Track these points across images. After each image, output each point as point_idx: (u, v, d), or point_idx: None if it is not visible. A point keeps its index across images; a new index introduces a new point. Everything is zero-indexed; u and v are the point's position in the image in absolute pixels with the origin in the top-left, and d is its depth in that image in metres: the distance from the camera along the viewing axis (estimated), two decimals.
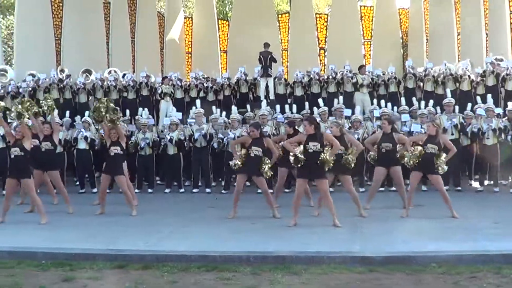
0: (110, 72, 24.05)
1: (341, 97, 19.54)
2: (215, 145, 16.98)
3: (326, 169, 11.49)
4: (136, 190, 16.36)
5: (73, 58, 25.55)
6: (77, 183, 17.83)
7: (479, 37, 26.88)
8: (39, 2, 26.13)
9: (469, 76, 20.24)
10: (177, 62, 32.75)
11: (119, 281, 8.62)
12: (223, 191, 16.80)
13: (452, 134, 16.20)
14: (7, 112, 13.47)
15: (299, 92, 21.63)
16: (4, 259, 9.78)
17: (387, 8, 32.44)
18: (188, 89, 22.44)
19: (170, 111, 20.04)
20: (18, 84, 21.86)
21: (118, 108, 14.16)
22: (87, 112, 18.37)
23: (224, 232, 11.31)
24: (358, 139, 15.34)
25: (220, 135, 16.88)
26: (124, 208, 13.67)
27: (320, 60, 32.26)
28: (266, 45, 21.85)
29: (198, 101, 19.29)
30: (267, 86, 21.62)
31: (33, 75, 22.65)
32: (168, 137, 17.05)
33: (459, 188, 15.95)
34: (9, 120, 14.63)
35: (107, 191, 14.14)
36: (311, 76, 21.74)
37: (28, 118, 13.25)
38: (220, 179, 17.84)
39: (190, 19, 36.03)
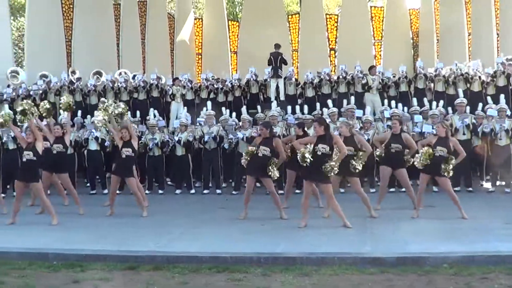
0: (120, 73, 24.05)
1: (352, 98, 19.46)
2: (226, 145, 16.96)
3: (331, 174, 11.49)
4: (147, 191, 16.37)
5: (84, 59, 25.62)
6: (88, 184, 17.84)
7: (490, 38, 26.78)
8: (50, 4, 26.24)
9: (479, 77, 20.14)
10: (187, 63, 32.77)
11: (130, 282, 8.64)
12: (233, 192, 16.79)
13: (464, 134, 16.12)
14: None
15: (310, 93, 21.57)
16: (16, 260, 9.82)
17: (398, 9, 32.39)
18: (198, 90, 22.44)
19: (180, 112, 20.04)
20: (29, 87, 21.89)
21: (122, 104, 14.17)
22: (96, 112, 18.44)
23: (235, 233, 11.32)
24: (368, 140, 15.27)
25: (231, 136, 16.84)
26: (135, 209, 13.68)
27: (331, 61, 32.19)
28: (277, 46, 21.82)
29: (209, 103, 19.25)
30: (277, 87, 21.58)
31: (46, 76, 22.71)
32: (177, 138, 17.06)
33: (470, 189, 15.87)
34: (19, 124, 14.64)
35: (118, 192, 14.15)
36: (322, 76, 21.69)
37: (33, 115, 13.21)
38: (230, 180, 17.81)
39: (200, 20, 36.06)
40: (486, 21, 26.88)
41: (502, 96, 17.18)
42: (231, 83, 22.39)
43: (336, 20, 33.82)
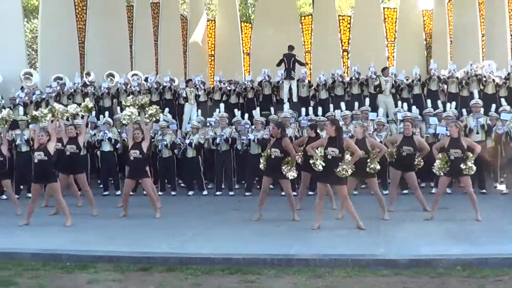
0: (133, 75, 24.09)
1: (366, 99, 19.44)
2: (239, 146, 16.95)
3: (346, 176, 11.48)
4: (160, 193, 16.40)
5: (97, 61, 25.71)
6: (101, 185, 17.88)
7: (503, 39, 26.61)
8: (63, 6, 26.31)
9: (493, 80, 20.06)
10: (200, 65, 32.76)
11: (142, 283, 8.64)
12: (246, 194, 16.78)
13: (477, 133, 16.03)
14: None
15: (323, 95, 21.56)
16: (29, 261, 9.85)
17: (411, 10, 32.29)
18: (211, 92, 22.47)
19: (194, 114, 20.10)
20: (42, 96, 21.89)
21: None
22: (107, 113, 18.50)
23: (248, 235, 11.32)
24: (381, 142, 15.28)
25: (243, 137, 16.84)
26: (148, 210, 13.70)
27: (343, 62, 32.13)
28: (290, 47, 21.81)
29: (221, 105, 19.29)
30: (290, 89, 21.58)
31: (60, 79, 22.81)
32: (188, 141, 17.07)
33: (484, 190, 15.78)
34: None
35: (131, 193, 14.17)
36: (335, 78, 21.67)
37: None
38: (243, 182, 17.80)
39: (213, 21, 36.11)
40: (499, 22, 26.69)
41: None
42: (245, 85, 22.41)
43: (349, 21, 33.77)
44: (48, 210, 14.43)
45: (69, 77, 22.94)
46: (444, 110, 17.20)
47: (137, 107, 13.72)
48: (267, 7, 33.56)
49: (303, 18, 35.24)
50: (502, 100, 17.90)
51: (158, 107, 14.31)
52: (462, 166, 12.08)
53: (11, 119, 14.70)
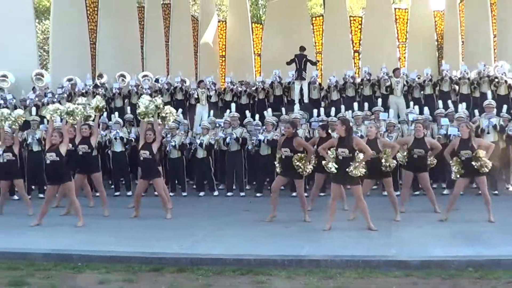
0: (143, 76, 24.13)
1: (379, 100, 19.41)
2: (250, 147, 16.95)
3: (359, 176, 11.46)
4: (170, 194, 16.39)
5: (108, 62, 25.77)
6: (112, 186, 17.89)
7: None
8: (74, 7, 26.39)
9: (506, 81, 19.99)
10: (211, 66, 32.87)
11: (154, 284, 8.65)
12: (257, 195, 16.76)
13: (488, 133, 15.95)
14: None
15: (334, 96, 21.55)
16: (41, 261, 9.88)
17: (422, 11, 32.22)
18: (222, 93, 22.48)
19: (205, 114, 20.13)
20: (54, 98, 21.96)
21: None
22: (117, 113, 18.52)
23: (259, 236, 11.31)
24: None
25: (253, 138, 16.82)
26: (159, 211, 13.71)
27: (354, 63, 32.12)
28: (302, 48, 21.80)
29: (233, 105, 19.32)
30: (301, 89, 21.58)
31: (72, 79, 22.88)
32: (199, 141, 17.06)
33: (496, 192, 15.70)
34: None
35: (142, 194, 14.17)
36: (346, 79, 21.66)
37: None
38: (254, 183, 17.78)
39: (224, 22, 36.18)
40: (511, 23, 26.62)
41: None
42: (255, 86, 22.43)
43: (360, 22, 33.80)
44: (59, 211, 14.46)
45: (80, 78, 22.99)
46: (456, 111, 17.15)
47: (151, 107, 13.67)
48: (278, 8, 33.65)
49: (314, 19, 35.28)
50: None
51: (172, 111, 14.22)
52: (475, 164, 12.02)
53: (23, 120, 14.73)
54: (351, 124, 12.43)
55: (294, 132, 12.85)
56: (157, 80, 23.54)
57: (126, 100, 21.99)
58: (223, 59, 35.39)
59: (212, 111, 19.75)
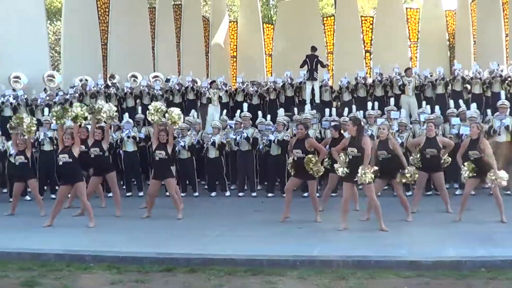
0: (154, 77, 24.16)
1: (391, 99, 19.39)
2: (260, 146, 16.93)
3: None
4: (182, 194, 16.39)
5: (119, 63, 25.81)
6: (124, 186, 17.92)
7: None
8: (86, 8, 26.47)
9: None
10: (222, 66, 32.87)
11: (166, 284, 8.66)
12: (268, 195, 16.75)
13: (499, 134, 15.87)
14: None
15: (346, 97, 21.53)
16: (53, 262, 9.91)
17: (434, 10, 32.04)
18: (233, 93, 22.50)
19: (217, 114, 20.16)
20: (66, 96, 22.06)
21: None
22: (126, 114, 18.55)
23: (271, 236, 11.31)
24: (402, 143, 15.31)
25: (264, 138, 16.81)
26: (170, 211, 13.72)
27: (366, 63, 32.03)
28: (313, 48, 21.82)
29: (245, 105, 19.34)
30: (312, 90, 21.58)
31: (81, 80, 22.95)
32: (211, 141, 17.06)
33: (508, 192, 15.61)
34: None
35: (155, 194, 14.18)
36: (358, 80, 21.64)
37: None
38: (265, 183, 17.76)
39: (235, 23, 36.16)
40: None
41: None
42: (267, 86, 22.45)
43: (371, 22, 33.71)
44: (72, 211, 14.49)
45: (92, 79, 23.05)
46: (468, 109, 17.05)
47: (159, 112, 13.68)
48: (289, 8, 33.64)
49: (325, 19, 35.23)
50: None
51: (179, 114, 14.14)
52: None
53: (35, 126, 14.80)
54: (362, 123, 12.39)
55: (306, 133, 12.85)
56: (168, 80, 23.59)
57: (137, 100, 22.00)
58: (234, 59, 35.39)
59: (225, 111, 19.74)
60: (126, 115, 18.54)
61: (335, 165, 11.67)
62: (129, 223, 13.21)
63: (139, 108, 19.87)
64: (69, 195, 14.86)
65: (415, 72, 21.36)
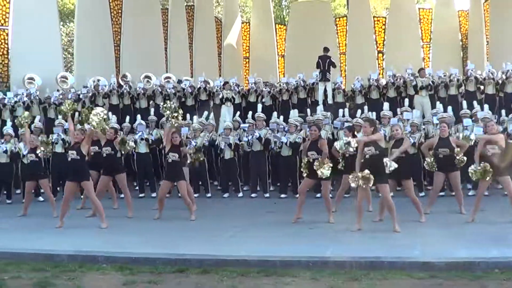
0: (165, 78, 24.20)
1: (406, 100, 19.37)
2: (272, 145, 16.92)
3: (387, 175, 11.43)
4: (195, 195, 16.40)
5: (132, 64, 25.87)
6: (137, 187, 17.96)
7: None
8: (98, 9, 26.56)
9: None
10: (234, 67, 32.91)
11: (179, 285, 8.66)
12: (281, 196, 16.75)
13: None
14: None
15: (359, 99, 21.49)
16: (66, 263, 9.92)
17: (446, 11, 31.94)
18: (246, 94, 22.50)
19: (230, 115, 20.17)
20: (78, 92, 22.20)
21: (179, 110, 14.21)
22: (139, 116, 18.59)
23: (283, 237, 11.29)
24: (414, 143, 15.36)
25: (275, 139, 16.79)
26: (183, 212, 13.74)
27: (378, 64, 32.01)
28: (326, 49, 21.84)
29: (259, 105, 19.33)
30: (325, 91, 21.57)
31: (94, 81, 23.02)
32: (228, 142, 17.05)
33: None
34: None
35: (166, 196, 14.19)
36: (370, 83, 21.60)
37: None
38: (278, 184, 17.75)
39: (248, 24, 36.20)
40: None
41: None
42: (280, 87, 22.47)
43: (384, 22, 33.68)
44: (84, 212, 14.55)
45: (105, 79, 23.14)
46: (482, 109, 16.99)
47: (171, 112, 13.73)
48: (302, 9, 33.67)
49: (337, 19, 35.25)
50: None
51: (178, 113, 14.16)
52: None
53: (42, 127, 14.88)
54: (377, 125, 12.37)
55: (319, 134, 12.85)
56: (179, 81, 23.63)
57: (151, 101, 22.03)
58: (247, 60, 35.43)
59: (238, 112, 19.75)
60: (139, 116, 18.58)
61: (351, 177, 11.58)
62: (142, 224, 13.23)
63: (152, 110, 19.89)
64: (82, 196, 14.96)
65: (428, 73, 21.29)
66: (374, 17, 34.56)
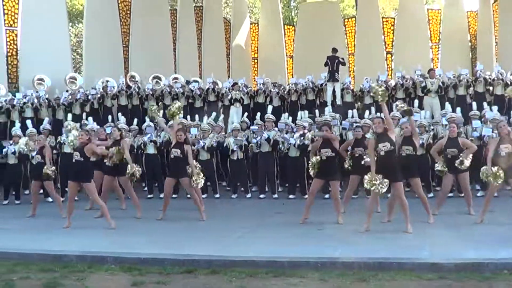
0: (173, 79, 24.22)
1: (416, 101, 19.35)
2: (280, 145, 16.90)
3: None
4: (203, 196, 16.39)
5: (141, 65, 25.94)
6: (145, 188, 17.97)
7: None
8: (107, 10, 26.65)
9: None
10: (243, 68, 32.90)
11: (187, 285, 8.66)
12: (290, 197, 16.74)
13: None
14: None
15: (367, 100, 21.46)
16: (74, 263, 9.93)
17: (455, 11, 31.87)
18: (254, 95, 22.49)
19: (239, 116, 20.18)
20: (86, 92, 22.26)
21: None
22: (147, 118, 18.61)
23: (292, 238, 11.29)
24: (422, 144, 15.30)
25: (282, 139, 16.78)
26: (191, 213, 13.75)
27: (387, 65, 31.98)
28: (334, 50, 21.81)
29: (270, 107, 19.27)
30: (333, 91, 21.55)
31: (103, 82, 23.07)
32: (241, 143, 17.06)
33: None
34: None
35: (173, 196, 14.19)
36: (379, 84, 21.54)
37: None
38: (286, 185, 17.74)
39: (256, 24, 36.18)
40: None
41: None
42: (288, 88, 22.48)
43: (392, 23, 33.65)
44: (93, 213, 14.55)
45: (113, 80, 23.18)
46: (491, 110, 16.94)
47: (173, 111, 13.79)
48: (310, 10, 33.68)
49: (346, 20, 35.21)
50: None
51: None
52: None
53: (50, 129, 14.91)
54: None
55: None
56: (188, 82, 23.65)
57: (159, 103, 22.03)
58: (255, 61, 35.42)
59: (246, 113, 19.75)
60: (147, 118, 18.60)
61: (368, 183, 11.54)
62: (150, 225, 13.24)
63: (160, 111, 19.88)
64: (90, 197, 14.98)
65: (438, 74, 21.25)
66: (382, 18, 34.51)
